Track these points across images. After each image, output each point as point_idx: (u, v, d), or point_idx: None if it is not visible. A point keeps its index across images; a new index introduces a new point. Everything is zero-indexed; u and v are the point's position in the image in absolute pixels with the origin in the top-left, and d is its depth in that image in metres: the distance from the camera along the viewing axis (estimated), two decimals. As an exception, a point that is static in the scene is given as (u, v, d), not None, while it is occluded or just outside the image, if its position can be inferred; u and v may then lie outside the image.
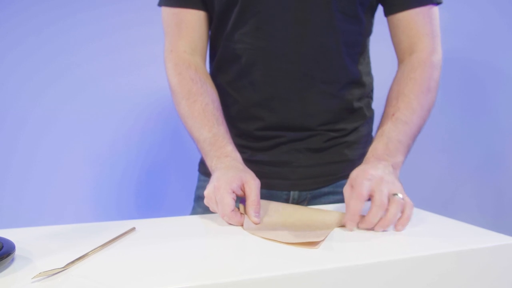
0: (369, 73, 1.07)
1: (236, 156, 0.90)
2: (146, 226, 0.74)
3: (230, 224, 0.78)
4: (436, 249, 0.64)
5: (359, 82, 1.03)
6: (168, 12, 1.03)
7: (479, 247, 0.66)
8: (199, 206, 1.08)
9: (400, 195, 0.74)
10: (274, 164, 1.01)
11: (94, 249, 0.61)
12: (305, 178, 1.02)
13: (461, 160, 1.82)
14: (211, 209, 0.82)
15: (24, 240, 0.65)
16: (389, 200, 0.74)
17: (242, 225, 0.76)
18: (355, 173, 0.80)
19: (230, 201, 0.77)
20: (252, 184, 0.81)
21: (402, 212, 0.74)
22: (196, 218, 0.83)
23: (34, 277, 0.52)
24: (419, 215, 0.83)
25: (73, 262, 0.57)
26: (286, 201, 1.02)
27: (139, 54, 1.57)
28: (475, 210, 1.81)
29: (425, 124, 0.94)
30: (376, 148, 0.87)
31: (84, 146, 1.55)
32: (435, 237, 0.70)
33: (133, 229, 0.71)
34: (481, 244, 0.67)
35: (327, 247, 0.65)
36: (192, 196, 1.13)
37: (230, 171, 0.83)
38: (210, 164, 0.90)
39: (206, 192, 0.82)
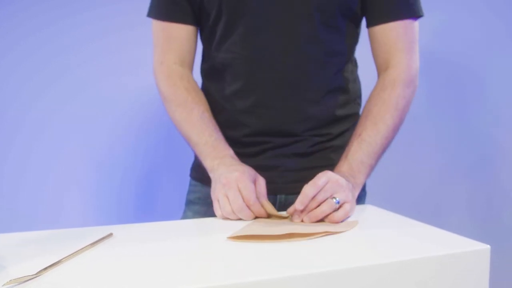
0: (355, 80, 1.09)
1: (238, 160, 0.96)
2: (124, 231, 0.75)
3: (228, 219, 0.85)
4: (412, 255, 0.65)
5: (344, 89, 1.05)
6: (158, 25, 1.07)
7: (451, 253, 0.67)
8: (190, 210, 1.10)
9: (337, 199, 0.83)
10: (261, 169, 1.02)
11: (68, 255, 0.63)
12: (292, 182, 1.04)
13: (453, 163, 1.81)
14: (221, 200, 0.86)
15: (-1, 246, 0.67)
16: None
17: (261, 216, 0.86)
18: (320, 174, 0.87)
19: (253, 188, 0.86)
20: (262, 181, 0.91)
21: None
22: (175, 223, 0.84)
23: (4, 284, 0.53)
24: (396, 221, 0.84)
25: (45, 269, 0.58)
26: (273, 204, 1.03)
27: (139, 55, 1.57)
28: (467, 212, 1.80)
29: (392, 140, 0.99)
30: (340, 168, 0.94)
31: (78, 148, 1.56)
32: (411, 243, 0.71)
33: (110, 235, 0.72)
34: (455, 250, 0.67)
35: (305, 252, 0.66)
36: (183, 201, 1.15)
37: (244, 167, 0.91)
38: (211, 164, 0.95)
39: (225, 181, 0.87)
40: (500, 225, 1.78)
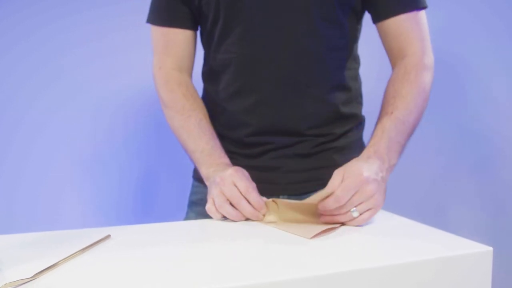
0: (356, 78, 1.08)
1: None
2: (127, 233, 0.75)
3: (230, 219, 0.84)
4: (412, 257, 0.64)
5: (345, 87, 1.04)
6: (157, 31, 1.07)
7: (453, 255, 0.66)
8: (193, 212, 1.10)
9: (356, 213, 0.78)
10: (263, 170, 1.03)
11: (65, 258, 0.62)
12: (294, 183, 1.04)
13: (454, 163, 1.80)
14: (217, 198, 0.85)
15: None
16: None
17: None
18: (353, 168, 0.82)
19: (248, 181, 0.88)
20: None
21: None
22: (178, 225, 0.84)
23: (0, 288, 0.53)
24: (396, 222, 0.83)
25: (41, 272, 0.58)
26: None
27: (140, 55, 1.56)
28: (469, 212, 1.78)
29: (418, 125, 0.96)
30: (378, 145, 0.88)
31: (77, 149, 1.55)
32: (411, 245, 0.70)
33: (108, 236, 0.72)
34: (456, 252, 0.67)
35: (305, 254, 0.66)
36: (184, 202, 1.15)
37: (238, 167, 0.92)
38: (207, 171, 0.95)
39: (219, 179, 0.87)
40: (503, 225, 1.77)
